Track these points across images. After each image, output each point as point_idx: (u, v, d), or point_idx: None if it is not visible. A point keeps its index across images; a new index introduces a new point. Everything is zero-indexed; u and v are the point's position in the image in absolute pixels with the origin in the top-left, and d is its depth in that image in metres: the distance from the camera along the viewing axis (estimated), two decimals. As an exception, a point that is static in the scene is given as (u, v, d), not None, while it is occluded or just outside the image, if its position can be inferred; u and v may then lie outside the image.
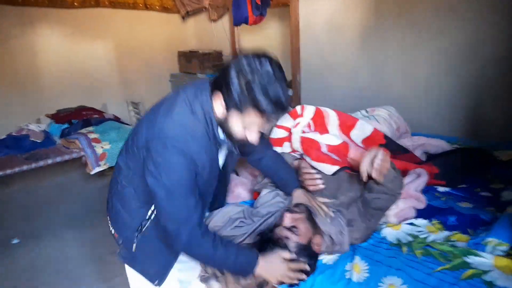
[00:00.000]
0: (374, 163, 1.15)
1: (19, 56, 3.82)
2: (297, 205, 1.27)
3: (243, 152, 1.34)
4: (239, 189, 1.73)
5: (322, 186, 1.37)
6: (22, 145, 2.94)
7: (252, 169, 1.82)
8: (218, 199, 1.46)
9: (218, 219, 1.37)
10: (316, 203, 1.31)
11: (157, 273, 1.23)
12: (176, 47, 4.91)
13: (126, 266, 1.33)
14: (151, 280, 1.23)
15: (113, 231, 1.26)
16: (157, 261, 1.23)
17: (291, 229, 1.15)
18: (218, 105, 1.01)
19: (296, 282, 1.11)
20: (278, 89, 0.94)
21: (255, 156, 1.42)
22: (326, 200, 1.35)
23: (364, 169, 1.17)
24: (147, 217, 1.16)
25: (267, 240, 1.15)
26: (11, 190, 3.30)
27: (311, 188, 1.37)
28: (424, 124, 2.57)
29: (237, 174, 1.90)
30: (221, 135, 1.09)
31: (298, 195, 1.36)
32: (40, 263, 2.36)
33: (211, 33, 4.64)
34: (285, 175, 1.41)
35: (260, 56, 0.96)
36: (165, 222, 1.04)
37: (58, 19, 4.01)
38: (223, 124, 1.04)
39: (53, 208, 3.05)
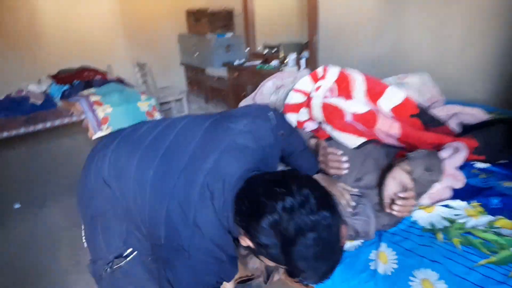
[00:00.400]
0: (395, 205, 0.97)
1: (17, 13, 3.60)
2: None
3: None
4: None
5: (346, 171, 1.16)
6: (21, 107, 2.78)
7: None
8: None
9: None
10: (337, 190, 1.13)
11: None
12: (184, 6, 4.60)
13: None
14: None
15: (85, 244, 1.05)
16: None
17: None
18: (243, 241, 0.81)
19: None
20: (326, 264, 0.74)
21: None
22: (348, 188, 1.15)
23: (388, 196, 1.00)
24: (124, 254, 0.93)
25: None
26: (11, 154, 3.20)
27: (332, 171, 1.17)
28: (455, 92, 2.30)
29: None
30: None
31: (317, 180, 1.15)
32: (42, 230, 2.29)
33: (222, -11, 4.31)
34: (303, 158, 1.20)
35: (309, 198, 0.71)
36: None
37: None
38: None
39: (54, 173, 2.96)
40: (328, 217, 0.70)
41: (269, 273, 1.15)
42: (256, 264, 1.16)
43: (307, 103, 1.38)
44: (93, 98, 2.86)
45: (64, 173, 2.91)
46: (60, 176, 2.89)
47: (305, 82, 1.46)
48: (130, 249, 0.93)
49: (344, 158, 1.18)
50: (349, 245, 1.08)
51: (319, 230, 0.69)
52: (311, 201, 0.70)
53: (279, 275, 1.18)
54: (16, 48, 3.60)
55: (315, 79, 1.44)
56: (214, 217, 0.82)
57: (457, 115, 1.70)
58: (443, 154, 1.28)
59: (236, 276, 1.23)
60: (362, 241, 1.08)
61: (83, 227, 1.03)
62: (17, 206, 2.55)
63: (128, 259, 0.93)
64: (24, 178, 2.93)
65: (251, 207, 0.75)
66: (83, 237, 1.04)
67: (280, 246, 0.70)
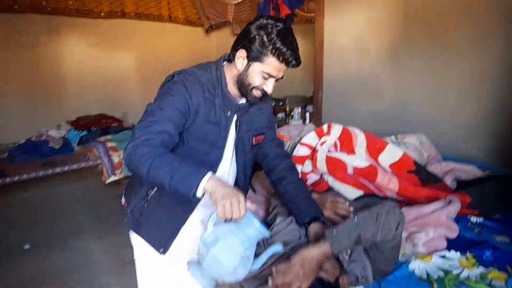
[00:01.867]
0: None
1: (45, 62, 3.90)
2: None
3: (259, 155, 1.40)
4: (256, 208, 1.66)
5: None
6: (40, 150, 2.95)
7: (269, 186, 1.75)
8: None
9: None
10: None
11: (162, 240, 1.22)
12: (198, 60, 4.83)
13: (133, 240, 1.32)
14: (156, 247, 1.22)
15: (123, 201, 1.33)
16: (162, 229, 1.23)
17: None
18: (240, 60, 1.13)
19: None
20: (293, 40, 1.10)
21: (276, 175, 1.36)
22: None
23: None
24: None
25: None
26: (27, 195, 3.30)
27: (338, 219, 1.28)
28: (452, 150, 2.43)
29: (254, 191, 1.83)
30: (232, 92, 1.19)
31: (316, 230, 1.24)
32: (49, 272, 2.32)
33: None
34: (303, 204, 1.31)
35: (275, 18, 1.11)
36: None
37: (85, 28, 4.11)
38: (242, 76, 1.14)
39: (66, 215, 3.03)
40: (288, 24, 1.11)
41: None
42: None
43: (312, 156, 1.51)
44: (109, 144, 3.03)
45: (75, 215, 2.99)
46: (71, 218, 2.97)
47: (311, 136, 1.61)
48: None
49: (352, 208, 1.29)
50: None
51: (282, 25, 1.09)
52: (276, 18, 1.11)
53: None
54: (40, 95, 3.84)
55: (320, 134, 1.59)
56: (202, 65, 1.23)
57: (452, 171, 1.82)
58: (437, 205, 1.37)
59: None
60: (362, 288, 1.15)
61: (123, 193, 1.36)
62: (26, 247, 2.61)
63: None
64: (35, 220, 3.00)
65: (244, 30, 1.13)
66: (122, 200, 1.35)
67: (265, 37, 1.07)
